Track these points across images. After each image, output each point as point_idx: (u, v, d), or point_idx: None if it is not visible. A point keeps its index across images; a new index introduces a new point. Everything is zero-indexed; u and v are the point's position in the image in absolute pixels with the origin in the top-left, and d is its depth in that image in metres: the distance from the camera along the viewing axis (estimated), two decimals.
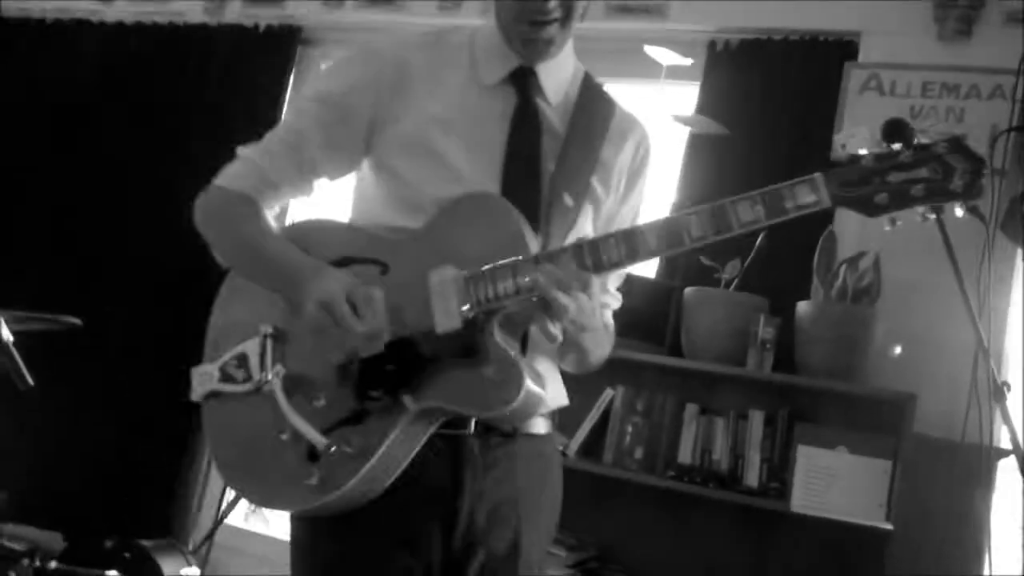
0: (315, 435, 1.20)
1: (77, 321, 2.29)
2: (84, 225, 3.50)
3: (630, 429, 2.60)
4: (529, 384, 1.15)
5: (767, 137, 2.76)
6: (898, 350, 2.48)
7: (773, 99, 2.80)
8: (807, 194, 1.09)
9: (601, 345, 1.36)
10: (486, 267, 1.18)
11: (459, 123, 1.29)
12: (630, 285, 2.60)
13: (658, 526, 2.64)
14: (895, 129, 1.57)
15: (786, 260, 2.55)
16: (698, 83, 2.90)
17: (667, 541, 2.62)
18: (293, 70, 3.52)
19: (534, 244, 1.20)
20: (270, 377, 1.25)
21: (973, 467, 2.35)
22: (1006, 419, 1.61)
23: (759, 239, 2.49)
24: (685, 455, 2.54)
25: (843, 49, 2.79)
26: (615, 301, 1.46)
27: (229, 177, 1.36)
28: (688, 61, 2.70)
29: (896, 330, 2.48)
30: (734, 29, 2.91)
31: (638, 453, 2.58)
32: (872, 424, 2.43)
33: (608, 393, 2.67)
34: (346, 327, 1.17)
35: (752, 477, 2.46)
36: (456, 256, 1.20)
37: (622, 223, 1.38)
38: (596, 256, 1.16)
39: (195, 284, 1.94)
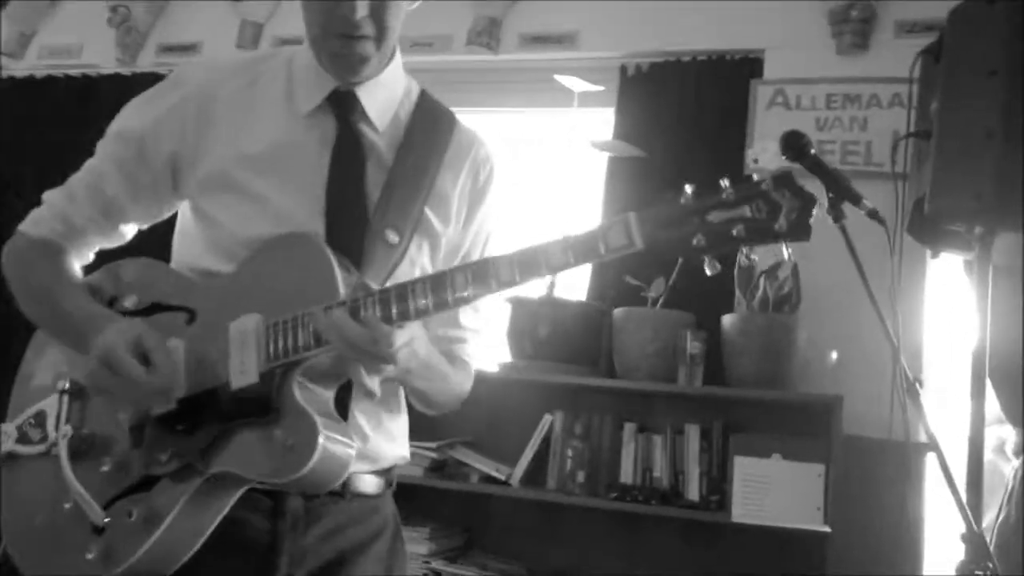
0: (93, 506, 1.11)
1: None
2: None
3: (571, 453, 2.62)
4: (326, 448, 1.04)
5: (683, 156, 2.83)
6: (834, 355, 2.55)
7: (686, 119, 2.88)
8: (620, 237, 0.99)
9: (446, 384, 1.26)
10: (287, 316, 1.08)
11: (274, 157, 1.19)
12: (561, 309, 2.69)
13: (607, 547, 2.66)
14: (791, 142, 1.64)
15: (709, 275, 2.60)
16: (612, 108, 2.96)
17: (617, 561, 2.64)
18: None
19: (344, 287, 1.09)
20: (56, 437, 1.17)
21: (902, 464, 2.42)
22: (921, 416, 1.67)
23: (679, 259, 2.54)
24: (627, 474, 2.56)
25: (749, 66, 2.89)
26: (471, 333, 1.34)
27: (32, 222, 1.27)
28: (599, 88, 2.76)
29: (819, 335, 2.55)
30: (643, 53, 2.99)
31: (580, 476, 2.60)
32: (803, 429, 2.49)
33: (547, 419, 2.69)
34: (132, 381, 1.07)
35: (693, 491, 2.49)
36: (265, 303, 1.11)
37: (469, 254, 1.31)
38: (402, 304, 1.05)
39: None
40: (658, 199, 1.00)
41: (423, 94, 1.31)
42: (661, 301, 2.61)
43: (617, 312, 2.66)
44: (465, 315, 1.32)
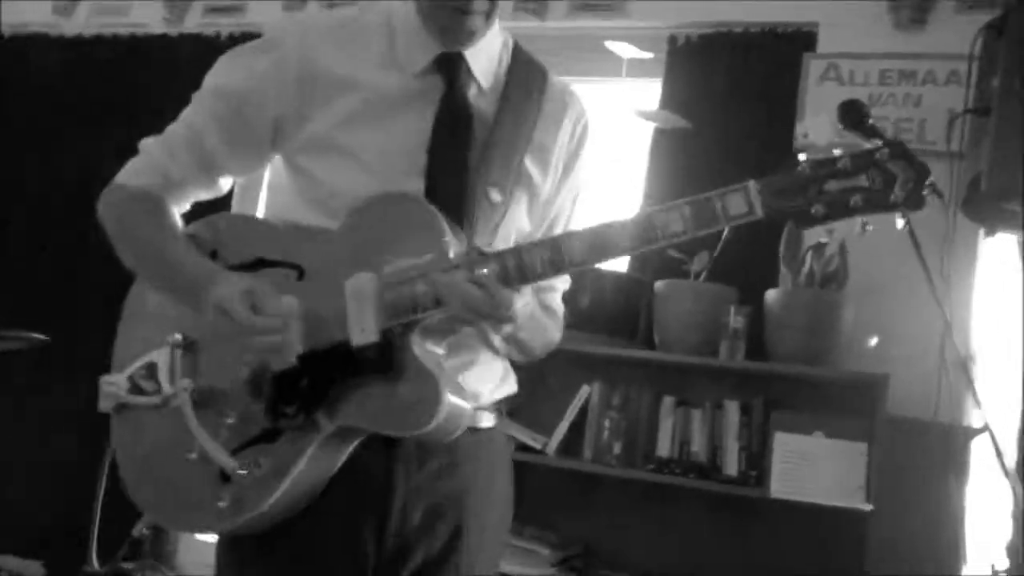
0: (224, 456, 1.13)
1: (45, 338, 2.26)
2: (51, 240, 3.45)
3: (608, 424, 2.61)
4: (448, 403, 1.08)
5: (731, 129, 2.79)
6: (875, 341, 2.51)
7: (735, 92, 2.83)
8: (739, 205, 1.01)
9: (543, 334, 1.29)
10: (404, 277, 1.10)
11: (376, 117, 1.19)
12: (601, 280, 2.67)
13: (641, 520, 2.65)
14: (850, 110, 1.60)
15: (753, 249, 2.57)
16: (660, 79, 2.92)
17: (651, 534, 2.63)
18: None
19: (456, 248, 1.11)
20: (178, 391, 1.17)
21: (947, 447, 2.39)
22: (974, 394, 1.63)
23: (725, 230, 2.51)
24: (664, 448, 2.55)
25: (802, 40, 2.82)
26: (562, 283, 1.36)
27: (131, 173, 1.27)
28: (648, 55, 2.73)
29: (865, 313, 2.51)
30: (693, 24, 2.93)
31: (617, 448, 2.59)
32: (846, 407, 2.46)
33: (585, 390, 2.68)
34: (247, 329, 1.09)
35: (731, 466, 2.47)
36: (375, 262, 1.12)
37: (561, 209, 1.32)
38: (520, 267, 1.08)
39: None
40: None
41: (517, 46, 1.31)
42: (704, 275, 2.58)
43: (659, 284, 2.63)
44: None
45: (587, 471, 2.60)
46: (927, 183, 0.98)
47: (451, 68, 1.21)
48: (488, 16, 1.18)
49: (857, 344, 2.51)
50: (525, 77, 1.27)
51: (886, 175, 0.98)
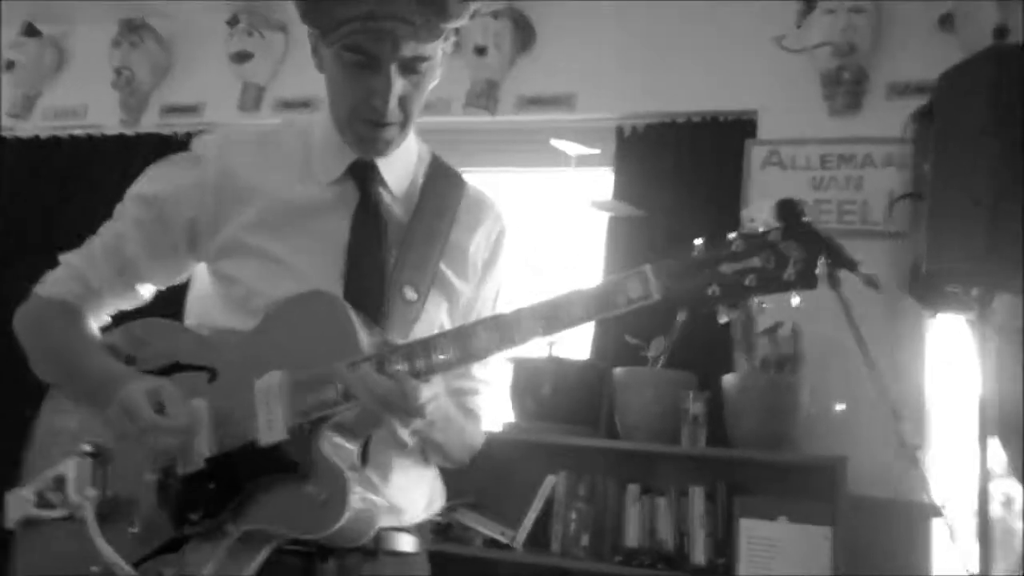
0: (126, 569, 1.10)
1: None
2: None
3: (574, 516, 2.60)
4: (357, 501, 1.07)
5: (682, 215, 2.86)
6: (840, 407, 2.55)
7: (683, 178, 2.92)
8: (637, 288, 1.03)
9: (462, 436, 1.29)
10: (312, 372, 1.10)
11: (292, 223, 1.23)
12: (561, 369, 2.69)
13: None
14: (785, 208, 1.66)
15: (709, 334, 2.61)
16: (611, 168, 3.00)
17: None
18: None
19: (367, 344, 1.12)
20: (82, 501, 1.16)
21: (909, 525, 2.41)
22: (923, 484, 1.67)
23: (680, 315, 2.56)
24: (631, 537, 2.54)
25: (743, 127, 2.93)
26: (484, 386, 1.36)
27: (48, 283, 1.29)
28: (595, 150, 2.80)
29: (821, 394, 2.55)
30: (639, 115, 3.04)
31: (585, 539, 2.58)
32: (808, 490, 2.48)
33: (550, 480, 2.68)
34: (150, 428, 1.09)
35: (698, 555, 2.47)
36: (288, 360, 1.12)
37: (482, 309, 1.33)
38: (429, 356, 1.08)
39: None
40: (671, 252, 1.04)
41: (434, 157, 1.36)
42: (662, 361, 2.61)
43: (618, 372, 2.66)
44: (478, 368, 1.34)
45: (556, 565, 2.58)
46: (819, 261, 1.00)
47: (364, 175, 1.26)
48: (403, 126, 1.23)
49: (816, 425, 2.54)
50: (441, 186, 1.32)
51: (779, 256, 1.00)
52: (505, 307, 1.33)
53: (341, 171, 1.26)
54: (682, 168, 2.93)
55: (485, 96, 3.15)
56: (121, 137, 3.65)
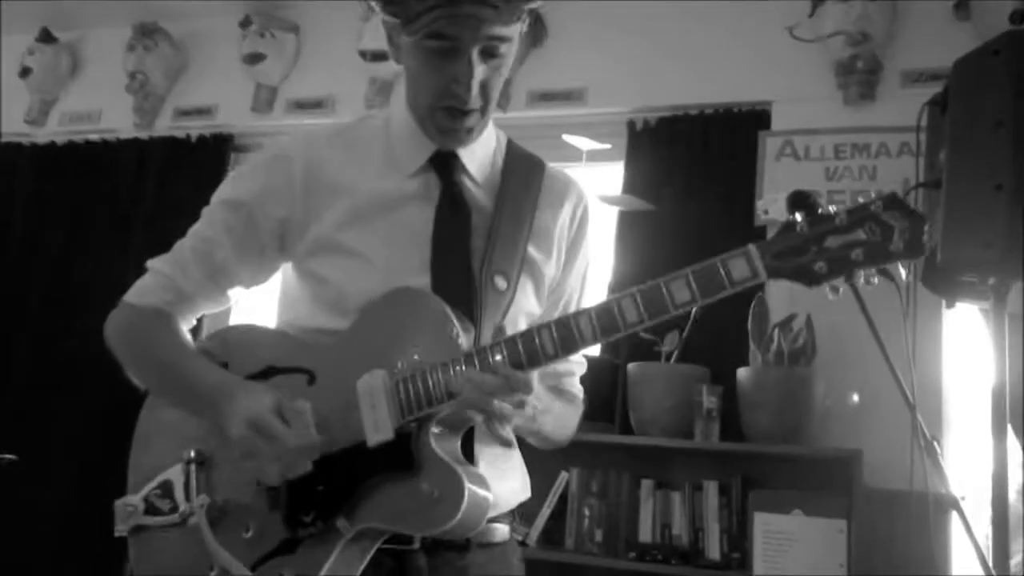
0: (244, 572, 1.13)
1: (13, 457, 2.24)
2: (20, 355, 3.44)
3: (588, 511, 2.59)
4: (471, 496, 1.07)
5: (694, 209, 2.84)
6: (855, 398, 2.52)
7: (696, 172, 2.90)
8: (742, 268, 1.01)
9: (565, 422, 1.29)
10: (416, 371, 1.11)
11: (379, 217, 1.22)
12: None
13: None
14: (799, 201, 1.65)
15: (723, 328, 2.60)
16: (622, 162, 2.98)
17: None
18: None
19: (465, 339, 1.12)
20: (194, 508, 1.18)
21: (926, 516, 2.38)
22: (940, 476, 1.64)
23: (694, 309, 2.54)
24: (645, 533, 2.53)
25: (757, 119, 2.90)
26: (579, 367, 1.37)
27: (139, 292, 1.30)
28: (606, 146, 2.79)
29: (836, 386, 2.53)
30: (651, 108, 3.02)
31: (598, 535, 2.57)
32: (823, 483, 2.45)
33: (563, 476, 2.67)
34: (281, 444, 1.10)
35: (713, 549, 2.45)
36: (385, 359, 1.13)
37: (571, 292, 1.34)
38: (530, 349, 1.07)
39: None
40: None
41: (511, 143, 1.35)
42: (675, 355, 2.60)
43: (631, 367, 2.65)
44: None
45: (569, 562, 2.57)
46: (926, 230, 0.99)
47: (446, 166, 1.26)
48: (483, 112, 1.21)
49: (830, 418, 2.52)
50: (521, 169, 1.30)
51: (884, 226, 0.99)
52: (600, 295, 1.31)
53: (422, 162, 1.25)
54: (694, 161, 2.91)
55: None
56: (136, 141, 3.68)
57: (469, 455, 1.17)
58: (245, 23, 3.48)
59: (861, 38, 2.79)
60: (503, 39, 1.15)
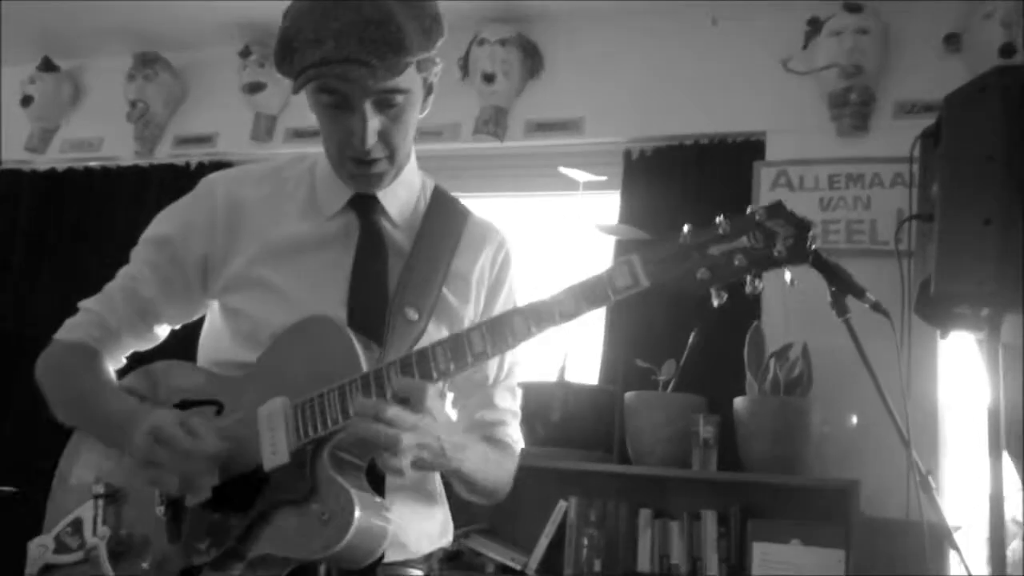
0: None
1: (13, 490, 2.24)
2: (20, 384, 3.44)
3: (586, 541, 2.60)
4: (362, 520, 1.05)
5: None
6: (854, 420, 2.54)
7: (691, 201, 2.92)
8: (625, 277, 1.03)
9: (494, 468, 1.26)
10: (312, 395, 1.11)
11: (296, 253, 1.26)
12: (572, 394, 2.70)
13: None
14: (774, 209, 1.68)
15: (719, 357, 2.62)
16: (618, 191, 3.01)
17: None
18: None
19: (366, 363, 1.12)
20: (96, 542, 1.18)
21: (923, 546, 2.39)
22: (935, 511, 1.65)
23: (691, 337, 2.57)
24: (644, 562, 2.54)
25: (752, 149, 2.94)
26: (510, 415, 1.36)
27: (67, 329, 1.32)
28: (602, 178, 2.83)
29: (832, 416, 2.54)
30: (647, 138, 3.05)
31: (597, 565, 2.57)
32: (821, 513, 2.46)
33: (561, 505, 2.68)
34: (180, 449, 1.10)
35: None
36: (291, 386, 1.14)
37: None
38: (423, 366, 1.08)
39: None
40: (657, 240, 1.05)
41: (436, 189, 1.38)
42: (672, 384, 2.62)
43: (629, 396, 2.66)
44: (501, 397, 1.35)
45: None
46: (810, 236, 1.00)
47: (365, 207, 1.29)
48: (391, 160, 1.24)
49: (828, 447, 2.53)
50: (444, 215, 1.34)
51: (767, 233, 1.00)
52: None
53: (342, 204, 1.29)
54: (690, 190, 2.94)
55: (493, 123, 3.18)
56: (136, 168, 3.70)
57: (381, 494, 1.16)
58: (245, 53, 3.52)
59: (854, 70, 2.83)
60: (397, 91, 1.18)
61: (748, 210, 1.02)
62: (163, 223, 1.34)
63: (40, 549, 1.25)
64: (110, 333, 1.31)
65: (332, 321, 1.17)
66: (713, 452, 2.50)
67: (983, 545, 2.22)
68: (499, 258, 1.36)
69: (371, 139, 1.19)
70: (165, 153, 3.70)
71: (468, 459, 1.18)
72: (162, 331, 1.37)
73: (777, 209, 1.01)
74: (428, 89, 1.25)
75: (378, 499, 1.13)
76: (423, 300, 1.25)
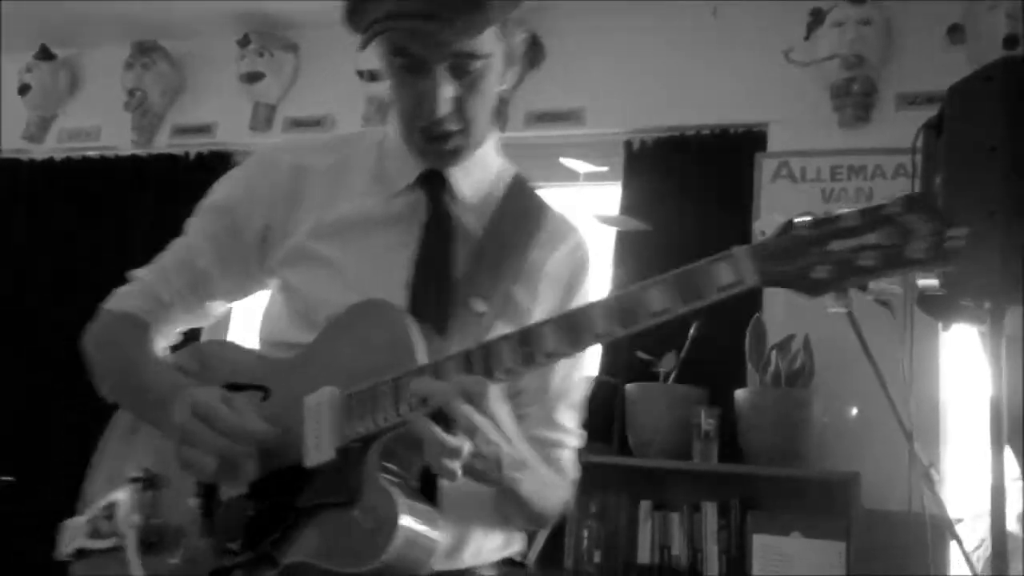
0: None
1: (10, 479, 2.23)
2: (17, 373, 3.43)
3: (586, 533, 2.60)
4: (407, 531, 0.94)
5: (690, 229, 2.85)
6: (854, 411, 2.53)
7: (692, 192, 2.91)
8: (727, 274, 0.88)
9: (549, 492, 1.13)
10: (364, 386, 0.99)
11: (358, 232, 1.16)
12: None
13: None
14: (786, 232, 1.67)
15: (720, 349, 2.61)
16: (619, 182, 3.00)
17: None
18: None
19: (424, 355, 1.00)
20: (125, 530, 1.10)
21: (924, 538, 2.39)
22: (937, 504, 1.65)
23: (692, 329, 2.56)
24: (644, 554, 2.53)
25: (753, 140, 2.93)
26: (572, 438, 1.23)
27: (116, 298, 1.24)
28: (603, 168, 2.81)
29: (834, 408, 2.54)
30: (648, 129, 3.04)
31: (597, 557, 2.57)
32: (822, 505, 2.46)
33: None
34: (223, 427, 1.00)
35: (712, 570, 2.46)
36: (342, 375, 1.02)
37: None
38: (487, 362, 0.95)
39: None
40: (774, 231, 0.90)
41: (517, 175, 1.27)
42: (673, 376, 2.61)
43: (630, 388, 2.65)
44: (562, 414, 1.22)
45: None
46: (955, 235, 0.83)
47: (434, 185, 1.19)
48: (466, 134, 1.13)
49: (829, 439, 2.53)
50: (521, 204, 1.22)
51: (902, 229, 0.84)
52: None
53: (411, 180, 1.19)
54: (691, 182, 2.93)
55: (495, 113, 3.15)
56: (134, 158, 3.69)
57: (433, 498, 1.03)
58: (244, 42, 3.50)
59: (856, 61, 2.82)
60: (474, 55, 1.06)
61: (881, 201, 0.87)
62: (223, 191, 1.25)
63: (73, 531, 1.19)
64: (161, 305, 1.22)
65: (391, 306, 1.05)
66: (714, 444, 2.50)
67: (985, 541, 2.22)
68: (576, 258, 1.23)
69: (444, 107, 1.08)
70: (163, 143, 3.69)
71: (526, 479, 1.04)
72: (216, 307, 1.28)
73: (918, 201, 0.85)
74: (509, 58, 1.13)
75: (428, 507, 0.99)
76: (492, 291, 1.13)
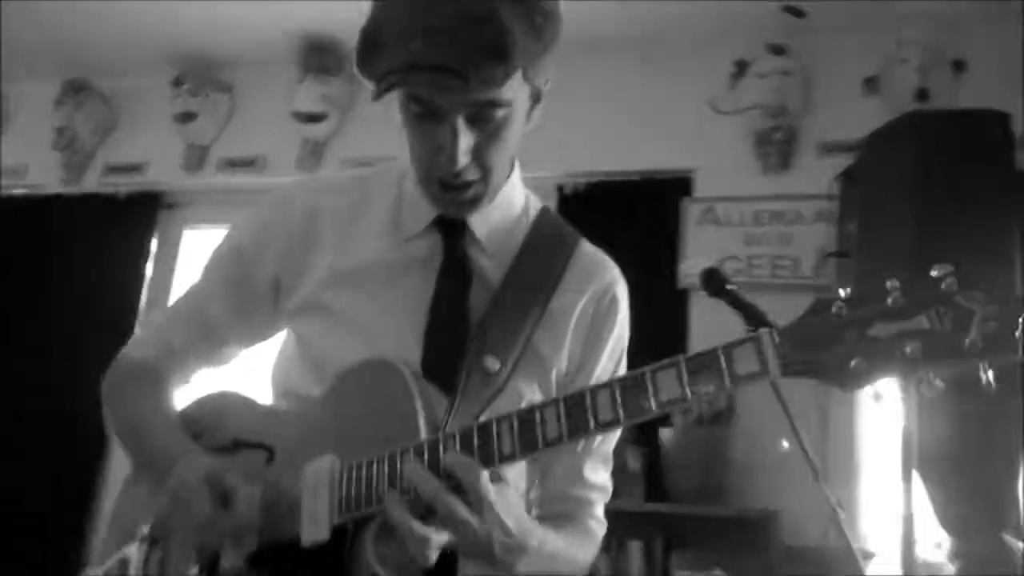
0: None
1: None
2: None
3: None
4: None
5: (621, 271, 2.90)
6: (786, 444, 2.58)
7: (622, 236, 2.94)
8: (748, 360, 0.78)
9: (555, 563, 1.03)
10: (364, 460, 0.94)
11: (375, 278, 1.10)
12: None
13: None
14: (711, 278, 1.71)
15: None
16: None
17: None
18: (156, 235, 3.53)
19: (425, 428, 0.94)
20: None
21: (839, 573, 2.44)
22: (846, 539, 1.69)
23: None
24: None
25: (680, 186, 3.01)
26: (599, 493, 1.15)
27: (132, 345, 1.22)
28: None
29: (755, 446, 2.59)
30: (580, 173, 3.11)
31: None
32: (745, 542, 2.50)
33: None
34: (198, 519, 0.95)
35: None
36: (344, 441, 0.97)
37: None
38: (485, 449, 0.89)
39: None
40: (806, 310, 0.79)
41: (543, 211, 1.20)
42: None
43: None
44: (593, 468, 1.15)
45: None
46: (1021, 321, 0.70)
47: (450, 230, 1.12)
48: (485, 182, 1.05)
49: (750, 477, 2.58)
50: (546, 244, 1.14)
51: (958, 311, 0.72)
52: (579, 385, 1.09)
53: (425, 224, 1.12)
54: (622, 225, 2.98)
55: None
56: (61, 197, 3.63)
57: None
58: (177, 82, 3.49)
59: (778, 110, 2.93)
60: (496, 104, 0.99)
61: (934, 272, 0.74)
62: (236, 235, 1.20)
63: None
64: (174, 352, 1.18)
65: (396, 369, 0.98)
66: (640, 483, 2.52)
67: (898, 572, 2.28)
68: (604, 301, 1.14)
69: (463, 159, 1.01)
70: (94, 182, 3.64)
71: (524, 563, 0.96)
72: (231, 352, 1.23)
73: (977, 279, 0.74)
74: (535, 98, 1.07)
75: None
76: (507, 347, 1.05)
